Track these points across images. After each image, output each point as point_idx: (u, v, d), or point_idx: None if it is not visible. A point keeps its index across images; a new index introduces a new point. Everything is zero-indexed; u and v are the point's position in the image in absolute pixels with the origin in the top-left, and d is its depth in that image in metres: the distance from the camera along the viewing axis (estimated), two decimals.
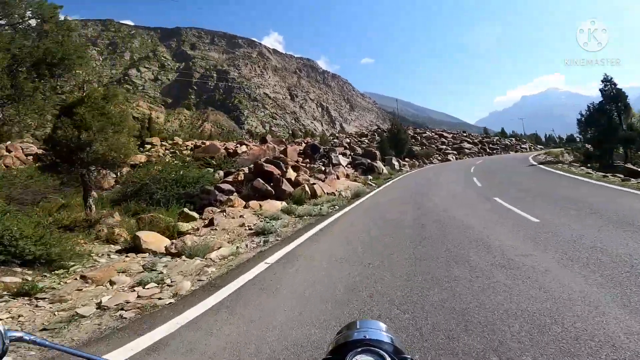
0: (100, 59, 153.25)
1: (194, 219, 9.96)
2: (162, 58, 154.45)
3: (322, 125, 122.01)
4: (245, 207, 11.31)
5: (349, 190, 15.00)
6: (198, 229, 8.86)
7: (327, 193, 14.06)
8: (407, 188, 15.33)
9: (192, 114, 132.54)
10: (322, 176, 18.38)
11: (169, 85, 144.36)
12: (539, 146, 57.17)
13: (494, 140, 53.29)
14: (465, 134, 53.96)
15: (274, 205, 11.50)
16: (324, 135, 49.24)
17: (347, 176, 21.18)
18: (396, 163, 27.45)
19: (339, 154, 26.69)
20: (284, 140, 28.39)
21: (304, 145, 25.80)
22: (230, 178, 14.73)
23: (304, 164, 23.33)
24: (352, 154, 27.30)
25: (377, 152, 27.07)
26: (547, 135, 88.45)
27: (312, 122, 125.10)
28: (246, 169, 15.87)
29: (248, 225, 8.86)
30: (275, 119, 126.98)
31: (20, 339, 0.63)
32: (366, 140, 43.11)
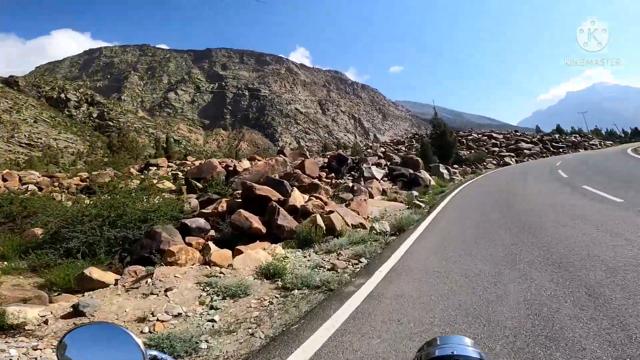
0: (142, 83, 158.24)
1: (103, 285, 5.29)
2: (197, 80, 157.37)
3: (355, 137, 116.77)
4: (204, 262, 6.29)
5: (386, 219, 9.63)
6: (47, 322, 3.97)
7: (353, 225, 8.79)
8: (483, 208, 9.71)
9: (229, 134, 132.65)
10: (349, 195, 13.17)
11: (204, 106, 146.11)
12: (607, 142, 48.30)
13: (556, 137, 45.30)
14: (518, 134, 46.48)
15: (257, 258, 6.38)
16: (356, 146, 43.91)
17: (384, 193, 15.73)
18: (445, 171, 21.54)
19: (373, 164, 21.30)
20: (304, 152, 23.38)
21: (328, 157, 20.61)
22: (209, 208, 9.88)
23: (328, 180, 18.17)
24: (388, 163, 21.82)
25: (420, 160, 21.36)
26: (608, 130, 77.90)
27: (345, 135, 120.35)
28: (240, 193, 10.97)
29: (152, 319, 3.88)
30: (309, 134, 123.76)
31: (154, 358, 0.63)
32: (403, 148, 37.32)
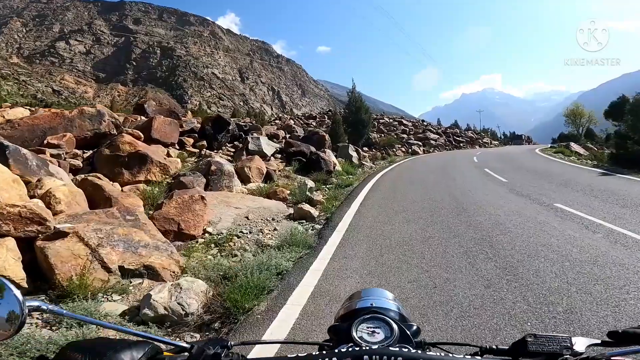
0: (24, 30, 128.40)
1: None
2: (99, 32, 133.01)
3: (271, 109, 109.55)
4: None
5: (211, 268, 4.25)
6: None
7: (124, 269, 3.19)
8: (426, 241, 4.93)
9: (129, 90, 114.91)
10: (195, 181, 7.55)
11: (102, 59, 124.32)
12: (494, 142, 50.23)
13: (457, 132, 45.09)
14: (425, 123, 45.25)
15: None
16: (262, 115, 37.63)
17: (267, 177, 10.40)
18: (354, 154, 16.98)
19: (267, 134, 15.74)
20: (176, 110, 16.57)
21: (201, 121, 14.38)
22: None
23: (196, 150, 12.17)
24: (287, 136, 16.46)
25: (327, 137, 16.44)
26: (490, 131, 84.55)
27: (261, 105, 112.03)
28: None
29: None
30: (222, 100, 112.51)
31: (38, 309, 0.55)
32: (314, 124, 32.48)
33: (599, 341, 0.61)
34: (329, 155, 13.81)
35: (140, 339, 0.62)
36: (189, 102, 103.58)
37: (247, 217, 6.42)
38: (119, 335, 0.68)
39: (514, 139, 67.78)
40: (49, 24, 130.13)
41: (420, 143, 31.99)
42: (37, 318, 2.62)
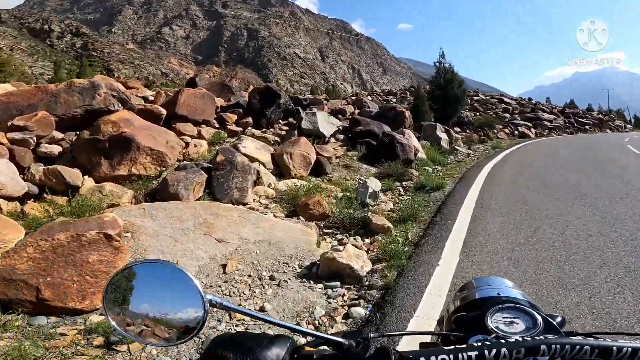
0: (135, 17, 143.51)
1: None
2: (194, 16, 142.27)
3: (352, 87, 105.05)
4: None
5: None
6: None
7: None
8: None
9: (222, 70, 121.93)
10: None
11: (199, 42, 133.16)
12: (628, 125, 39.03)
13: (580, 112, 35.64)
14: (533, 102, 36.63)
15: None
16: (335, 88, 33.60)
17: (317, 167, 7.07)
18: (443, 136, 12.49)
19: (328, 110, 12.21)
20: (229, 84, 13.86)
21: (248, 92, 11.40)
22: None
23: (238, 129, 9.37)
24: (356, 112, 12.68)
25: (408, 113, 12.25)
26: (619, 112, 68.66)
27: (341, 84, 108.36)
28: None
29: None
30: (304, 78, 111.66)
31: (217, 305, 0.51)
32: (393, 100, 27.80)
33: None
34: (409, 138, 9.77)
35: (282, 331, 0.52)
36: (274, 80, 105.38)
37: (223, 269, 3.17)
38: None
39: None
40: (155, 11, 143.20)
41: (529, 124, 25.16)
42: None
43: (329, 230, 4.72)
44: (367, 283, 3.17)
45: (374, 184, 5.86)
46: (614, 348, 0.46)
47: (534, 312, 0.60)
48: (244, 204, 5.25)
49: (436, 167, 9.11)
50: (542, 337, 0.49)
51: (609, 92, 56.60)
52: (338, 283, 3.15)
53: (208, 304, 0.49)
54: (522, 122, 25.34)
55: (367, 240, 4.48)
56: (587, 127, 29.28)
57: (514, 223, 4.38)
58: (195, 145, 7.35)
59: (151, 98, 9.80)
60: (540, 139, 21.30)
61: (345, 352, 0.51)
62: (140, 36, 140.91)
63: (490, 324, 0.59)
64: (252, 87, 15.17)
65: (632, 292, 2.64)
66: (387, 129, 10.24)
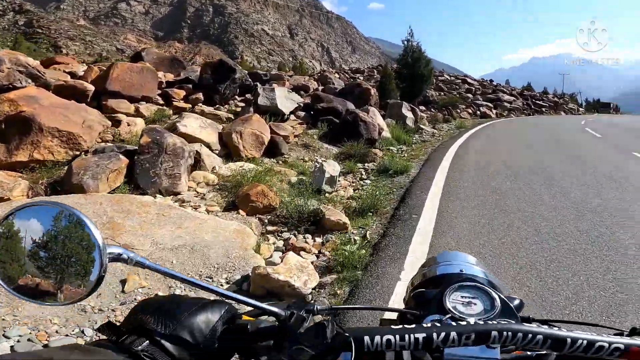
0: None
1: None
2: None
3: (320, 65, 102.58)
4: None
5: None
6: None
7: None
8: None
9: (184, 47, 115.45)
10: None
11: (160, 18, 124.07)
12: (580, 109, 40.70)
13: (537, 94, 36.47)
14: (494, 84, 37.08)
15: None
16: (303, 65, 31.90)
17: (274, 147, 6.17)
18: (409, 114, 11.85)
19: (292, 87, 11.17)
20: (180, 60, 12.28)
21: (200, 67, 10.12)
22: None
23: (186, 106, 8.26)
24: (320, 89, 11.72)
25: (372, 91, 11.45)
26: (571, 96, 72.19)
27: (310, 61, 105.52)
28: None
29: None
30: (272, 55, 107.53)
31: (119, 258, 0.44)
32: (361, 78, 26.88)
33: None
34: (374, 116, 9.05)
35: (218, 297, 0.52)
36: (240, 57, 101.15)
37: (122, 286, 2.31)
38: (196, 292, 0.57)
39: (601, 107, 56.34)
40: None
41: (490, 105, 25.30)
42: None
43: (274, 227, 3.91)
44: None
45: (332, 168, 5.09)
46: (568, 340, 0.43)
47: (492, 293, 0.57)
48: (176, 194, 4.33)
49: (401, 147, 8.50)
50: (495, 321, 0.46)
51: (564, 76, 58.84)
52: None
53: (107, 258, 0.41)
54: (484, 103, 25.46)
55: (318, 240, 3.72)
56: (544, 109, 30.10)
57: (484, 218, 3.79)
58: (128, 124, 6.19)
59: (81, 74, 8.38)
60: (500, 119, 21.42)
61: (281, 324, 0.48)
62: (93, 12, 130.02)
63: (448, 303, 0.56)
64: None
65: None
66: (351, 106, 9.43)
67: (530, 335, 0.42)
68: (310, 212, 4.00)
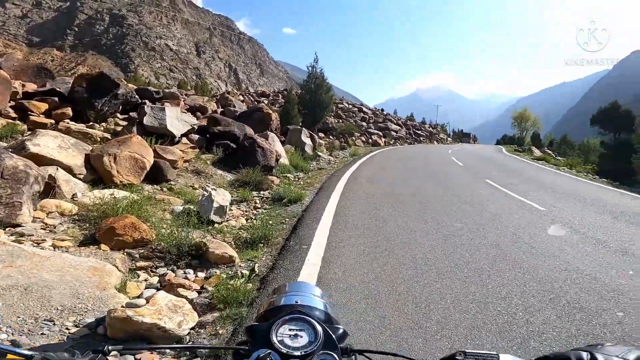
0: None
1: None
2: None
3: (226, 86, 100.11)
4: None
5: None
6: None
7: None
8: None
9: (65, 55, 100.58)
10: None
11: (41, 23, 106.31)
12: (448, 139, 48.18)
13: (418, 124, 41.85)
14: (385, 113, 41.41)
15: None
16: (205, 86, 30.61)
17: (159, 172, 5.39)
18: (308, 141, 12.18)
19: (188, 108, 10.36)
20: (47, 68, 10.40)
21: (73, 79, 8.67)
22: None
23: (50, 121, 6.76)
24: (218, 111, 11.14)
25: (274, 116, 11.41)
26: (443, 127, 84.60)
27: (216, 81, 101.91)
28: None
29: None
30: (174, 72, 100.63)
31: None
32: (265, 102, 26.95)
33: None
34: (273, 142, 8.93)
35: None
36: (135, 71, 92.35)
37: None
38: None
39: (464, 137, 67.33)
40: None
41: (380, 133, 27.97)
42: None
43: (148, 263, 3.36)
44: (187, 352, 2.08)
45: (222, 197, 4.69)
46: None
47: (316, 325, 0.59)
48: (14, 226, 3.39)
49: (298, 174, 8.53)
50: (301, 353, 0.51)
51: (437, 108, 68.88)
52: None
53: None
54: (375, 131, 28.02)
55: (202, 275, 3.32)
56: (422, 138, 34.56)
57: (369, 246, 3.88)
58: None
59: None
60: (388, 147, 23.72)
61: None
62: None
63: (274, 337, 0.58)
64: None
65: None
66: (250, 131, 9.15)
67: None
68: (192, 245, 3.56)
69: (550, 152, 27.92)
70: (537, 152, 24.75)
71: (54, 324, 2.23)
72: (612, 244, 4.40)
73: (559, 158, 22.94)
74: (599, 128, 19.29)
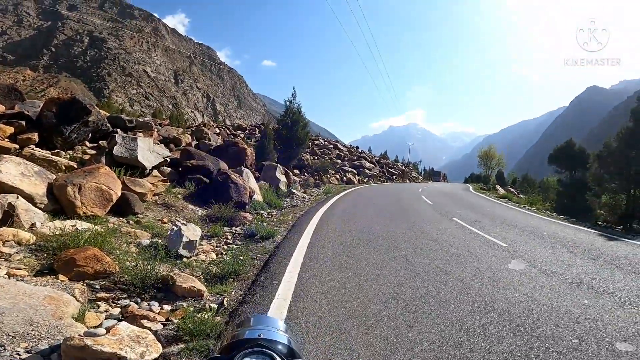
0: None
1: None
2: (23, 13, 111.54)
3: (203, 117, 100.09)
4: None
5: None
6: None
7: None
8: None
9: (37, 75, 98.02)
10: None
11: (18, 42, 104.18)
12: (419, 177, 50.06)
13: (390, 163, 43.33)
14: (360, 150, 42.73)
15: None
16: (181, 117, 30.62)
17: (127, 205, 5.27)
18: (282, 178, 12.38)
19: (162, 139, 10.34)
20: (20, 90, 10.29)
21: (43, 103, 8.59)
22: None
23: (11, 146, 6.51)
24: (194, 144, 11.19)
25: (249, 151, 11.58)
26: (414, 165, 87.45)
27: (192, 111, 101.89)
28: None
29: None
30: (149, 100, 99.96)
31: None
32: (242, 135, 27.19)
33: None
34: (247, 178, 9.00)
35: None
36: (109, 96, 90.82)
37: None
38: None
39: (434, 175, 69.83)
40: None
41: (355, 171, 28.67)
42: None
43: (110, 294, 3.26)
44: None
45: (192, 232, 4.67)
46: None
47: (277, 358, 0.60)
48: None
49: (271, 211, 8.57)
50: None
51: (410, 146, 71.57)
52: None
53: None
54: (350, 169, 28.69)
55: (167, 307, 3.25)
56: (394, 176, 35.67)
57: (339, 282, 3.96)
58: None
59: None
60: (362, 185, 24.25)
61: None
62: None
63: None
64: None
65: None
66: (224, 166, 9.22)
67: None
68: (159, 278, 3.50)
69: (513, 190, 29.65)
70: (501, 191, 26.18)
71: (4, 349, 2.21)
72: (567, 275, 4.72)
73: (521, 196, 24.32)
74: (556, 167, 20.74)
